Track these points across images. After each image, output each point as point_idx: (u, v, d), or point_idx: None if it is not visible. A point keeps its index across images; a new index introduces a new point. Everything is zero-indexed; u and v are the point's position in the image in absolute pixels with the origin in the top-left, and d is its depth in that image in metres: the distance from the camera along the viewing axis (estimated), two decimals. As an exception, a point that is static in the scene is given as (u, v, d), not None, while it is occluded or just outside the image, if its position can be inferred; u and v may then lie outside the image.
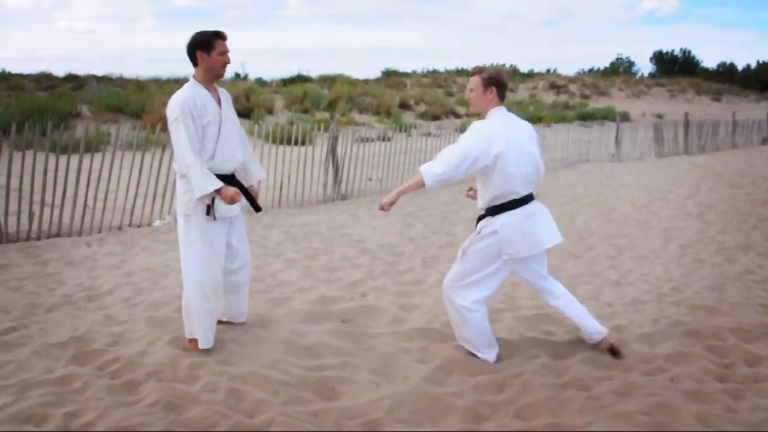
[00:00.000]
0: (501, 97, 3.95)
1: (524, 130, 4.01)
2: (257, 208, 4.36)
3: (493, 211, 3.92)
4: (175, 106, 3.83)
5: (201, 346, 4.02)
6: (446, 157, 3.78)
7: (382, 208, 3.91)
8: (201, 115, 3.86)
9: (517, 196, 3.90)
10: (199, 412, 3.29)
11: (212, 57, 3.90)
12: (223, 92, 4.12)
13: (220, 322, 4.30)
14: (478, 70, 3.95)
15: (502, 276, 4.02)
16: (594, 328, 4.13)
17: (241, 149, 4.14)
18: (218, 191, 3.86)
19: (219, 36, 3.91)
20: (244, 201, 4.20)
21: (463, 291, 3.98)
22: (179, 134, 3.81)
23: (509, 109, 4.03)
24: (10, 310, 4.81)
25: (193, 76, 3.97)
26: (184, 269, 4.07)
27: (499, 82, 3.91)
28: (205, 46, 3.88)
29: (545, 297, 4.19)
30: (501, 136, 3.79)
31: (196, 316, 4.02)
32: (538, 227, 3.97)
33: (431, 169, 3.77)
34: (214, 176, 3.86)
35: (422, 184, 3.80)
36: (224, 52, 3.92)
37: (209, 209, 3.93)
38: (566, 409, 3.44)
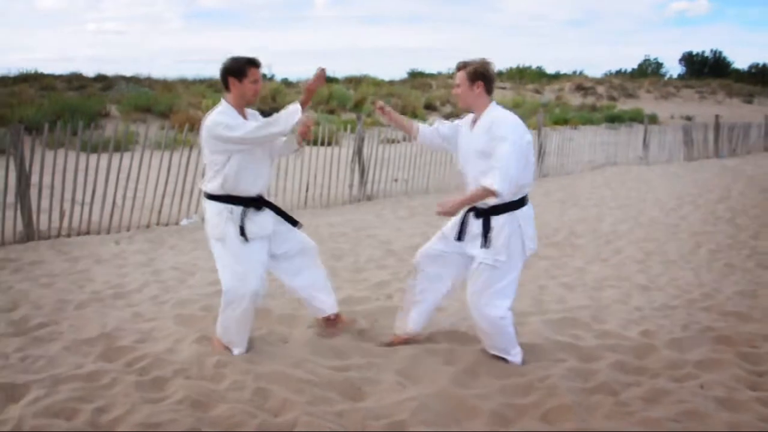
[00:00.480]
0: (488, 91, 3.85)
1: None
2: (294, 223, 4.26)
3: (509, 207, 3.81)
4: (215, 121, 3.87)
5: (236, 352, 4.04)
6: (510, 164, 3.63)
7: (446, 213, 3.82)
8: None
9: (528, 190, 3.88)
10: (225, 410, 3.31)
11: (244, 84, 3.91)
12: (253, 115, 4.10)
13: (328, 320, 4.39)
14: (462, 65, 3.86)
15: (519, 271, 3.97)
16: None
17: (268, 174, 4.17)
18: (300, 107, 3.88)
19: (252, 63, 3.91)
20: (275, 220, 4.17)
21: (494, 300, 3.85)
22: (230, 133, 3.84)
23: (502, 107, 3.92)
24: (42, 305, 4.90)
25: (225, 99, 4.00)
26: (222, 283, 4.08)
27: (485, 76, 3.81)
28: (238, 73, 3.89)
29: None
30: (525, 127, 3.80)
31: (230, 326, 4.04)
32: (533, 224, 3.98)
33: (500, 181, 3.62)
34: (284, 110, 3.88)
35: (486, 196, 3.71)
36: (257, 80, 3.93)
37: (242, 231, 3.96)
38: (593, 414, 3.39)
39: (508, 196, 3.69)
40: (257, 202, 4.05)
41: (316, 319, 4.50)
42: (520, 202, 3.83)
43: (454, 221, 4.03)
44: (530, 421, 3.35)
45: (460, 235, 3.95)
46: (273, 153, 4.23)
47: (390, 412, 3.39)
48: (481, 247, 3.85)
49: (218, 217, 3.96)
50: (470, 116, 4.00)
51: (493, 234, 3.82)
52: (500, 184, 3.61)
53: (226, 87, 3.96)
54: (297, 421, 3.24)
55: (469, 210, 3.92)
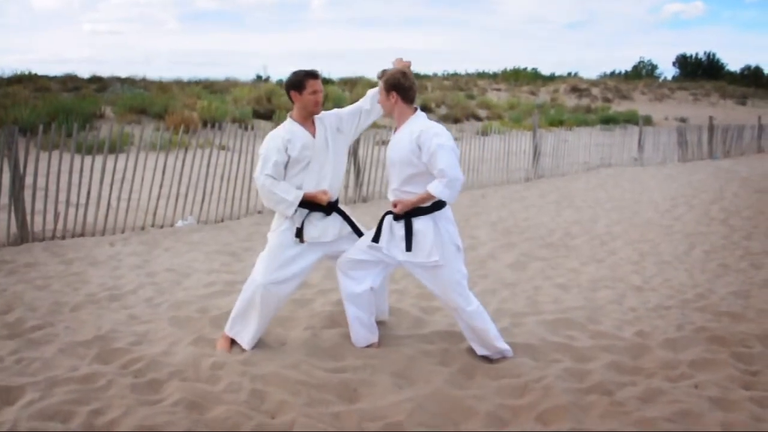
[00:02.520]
0: (405, 100, 3.93)
1: None
2: (359, 233, 4.28)
3: (430, 209, 3.91)
4: (264, 143, 4.10)
5: (245, 346, 4.13)
6: (455, 167, 3.77)
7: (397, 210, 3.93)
8: (287, 147, 4.03)
9: None
10: (221, 412, 3.31)
11: (304, 96, 4.07)
12: (329, 129, 4.19)
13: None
14: (380, 74, 3.97)
15: (462, 263, 4.05)
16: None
17: (336, 177, 4.23)
18: (307, 198, 4.02)
19: (311, 76, 4.07)
20: (342, 229, 4.23)
21: (460, 296, 3.97)
22: (258, 165, 4.07)
23: (425, 115, 4.00)
24: (37, 308, 4.89)
25: (290, 114, 4.18)
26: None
27: (397, 86, 3.90)
28: (298, 86, 4.06)
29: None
30: None
31: (240, 313, 4.13)
32: None
33: (455, 186, 3.78)
34: (292, 188, 4.03)
35: (430, 199, 3.84)
36: (316, 91, 4.07)
37: (299, 232, 4.07)
38: (589, 414, 3.41)
39: (449, 200, 3.83)
40: (326, 208, 4.14)
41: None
42: (440, 204, 3.92)
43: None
44: (526, 422, 3.36)
45: (377, 238, 4.04)
46: (351, 140, 4.38)
47: (386, 414, 3.40)
48: (406, 251, 3.94)
49: (280, 215, 4.14)
50: None
51: (419, 236, 3.91)
52: (450, 192, 3.77)
53: (291, 101, 4.13)
54: (293, 422, 3.24)
55: (387, 213, 4.03)
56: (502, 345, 4.06)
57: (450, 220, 4.01)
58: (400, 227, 3.97)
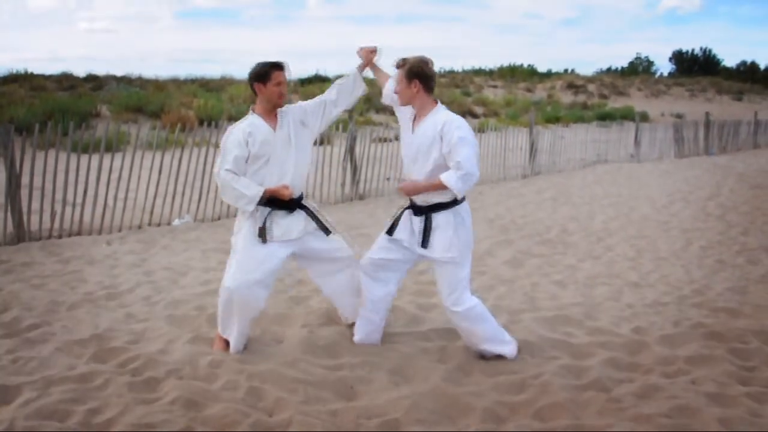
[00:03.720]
0: (427, 90, 3.86)
1: None
2: (327, 231, 4.19)
3: (450, 204, 3.86)
4: (224, 136, 4.02)
5: (231, 351, 4.07)
6: (473, 162, 3.73)
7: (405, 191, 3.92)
8: (248, 141, 3.93)
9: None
10: (219, 410, 3.31)
11: (268, 88, 3.97)
12: (292, 124, 4.09)
13: (349, 326, 4.40)
14: (401, 63, 3.87)
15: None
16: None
17: (298, 173, 4.12)
18: (267, 194, 3.93)
19: (276, 67, 3.98)
20: (307, 225, 4.13)
21: (460, 296, 3.92)
22: (218, 160, 3.98)
23: (445, 107, 3.95)
24: (34, 307, 4.88)
25: (252, 108, 4.09)
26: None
27: (420, 74, 3.81)
28: (262, 78, 3.97)
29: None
30: None
31: (222, 316, 4.07)
32: None
33: (469, 181, 3.74)
34: (253, 184, 3.93)
35: (443, 188, 3.78)
36: (281, 83, 3.97)
37: (262, 231, 3.97)
38: (586, 410, 3.41)
39: (459, 193, 3.76)
40: (289, 204, 4.04)
41: (345, 324, 4.49)
42: (462, 199, 3.89)
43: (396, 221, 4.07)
44: (523, 419, 3.36)
45: (391, 230, 4.02)
46: (320, 129, 4.27)
47: (383, 411, 3.40)
48: (420, 246, 3.91)
49: (242, 214, 4.04)
50: (409, 109, 4.00)
51: (438, 231, 3.87)
52: (462, 186, 3.72)
53: (255, 93, 4.04)
54: (291, 420, 3.24)
55: (407, 208, 3.98)
56: (496, 348, 4.01)
57: (468, 215, 3.95)
58: (419, 221, 3.92)
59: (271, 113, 4.05)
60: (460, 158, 3.69)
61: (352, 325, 4.37)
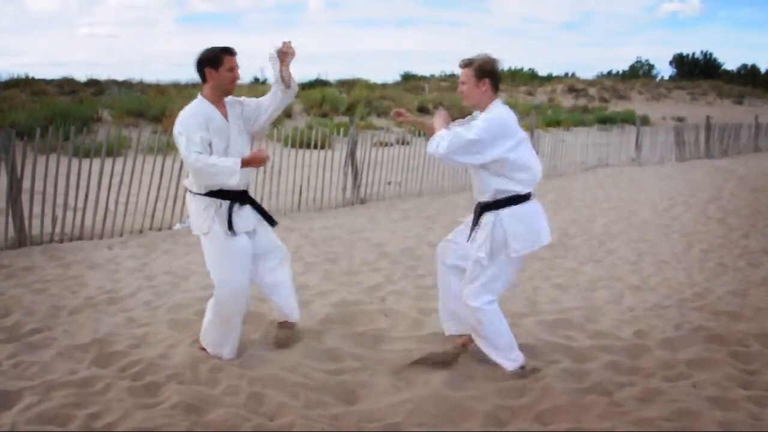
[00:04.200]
0: (495, 89, 3.79)
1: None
2: (272, 222, 4.24)
3: (497, 204, 3.79)
4: (180, 121, 3.86)
5: (226, 357, 4.02)
6: (455, 141, 3.62)
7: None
8: (208, 127, 3.85)
9: (522, 191, 3.79)
10: (220, 414, 3.31)
11: (221, 73, 3.88)
12: (235, 111, 4.05)
13: (282, 324, 4.36)
14: (468, 62, 3.80)
15: (511, 269, 3.91)
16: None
17: (250, 169, 4.10)
18: (248, 163, 3.84)
19: (228, 52, 3.89)
20: (256, 216, 4.14)
21: (476, 293, 3.86)
22: (181, 146, 3.82)
23: (506, 106, 3.87)
24: (35, 311, 4.88)
25: (201, 93, 3.97)
26: (212, 277, 4.07)
27: (491, 73, 3.75)
28: (214, 63, 3.87)
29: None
30: (514, 128, 3.73)
31: (217, 328, 4.02)
32: (539, 223, 3.88)
33: (440, 142, 3.63)
34: (229, 159, 3.81)
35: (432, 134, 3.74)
36: (233, 68, 3.90)
37: (230, 225, 3.93)
38: (587, 414, 3.41)
39: (441, 157, 3.66)
40: (242, 197, 4.04)
41: (270, 320, 4.48)
42: (508, 201, 3.78)
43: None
44: (524, 422, 3.36)
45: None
46: (260, 127, 4.17)
47: (384, 415, 3.40)
48: (467, 241, 3.91)
49: (205, 212, 3.93)
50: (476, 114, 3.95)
51: (479, 230, 3.84)
52: (436, 144, 3.64)
53: (204, 78, 3.93)
54: (293, 424, 3.24)
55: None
56: (499, 359, 3.93)
57: (516, 219, 3.78)
58: (471, 217, 3.93)
59: (220, 101, 3.96)
60: (461, 127, 3.68)
61: (284, 324, 4.37)
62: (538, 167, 3.85)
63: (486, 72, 3.74)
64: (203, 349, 4.10)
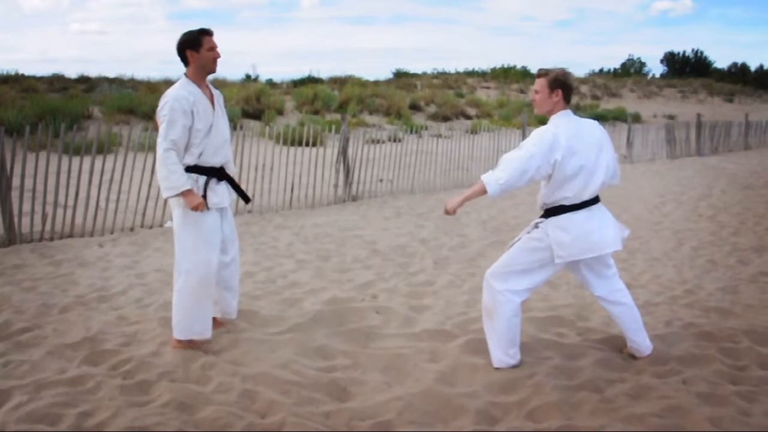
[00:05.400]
0: (567, 100, 3.90)
1: (591, 133, 3.93)
2: (246, 199, 4.43)
3: (548, 212, 3.90)
4: (166, 102, 3.95)
5: (198, 337, 4.06)
6: (509, 165, 3.74)
7: (448, 212, 3.93)
8: (192, 111, 3.95)
9: (568, 202, 3.83)
10: (211, 412, 3.30)
11: (202, 54, 4.00)
12: (216, 92, 4.21)
13: (214, 321, 4.32)
14: (543, 72, 3.91)
15: (547, 273, 3.95)
16: (640, 344, 4.07)
17: (229, 147, 4.26)
18: (184, 194, 3.91)
19: (206, 33, 4.02)
20: (232, 194, 4.30)
21: (503, 276, 3.90)
22: (161, 128, 3.95)
23: (576, 116, 3.95)
24: (25, 310, 4.85)
25: (186, 75, 4.07)
26: (176, 258, 4.09)
27: (565, 84, 3.86)
28: (194, 45, 3.99)
29: (602, 300, 4.11)
30: (563, 143, 3.76)
31: (187, 307, 4.04)
32: (595, 231, 3.87)
33: (494, 178, 3.74)
34: (185, 177, 3.92)
35: (484, 192, 3.77)
36: (213, 47, 4.02)
37: (204, 200, 4.00)
38: (578, 411, 3.42)
39: (495, 195, 3.75)
40: (219, 173, 4.13)
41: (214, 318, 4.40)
42: (556, 210, 3.87)
43: None
44: (516, 419, 3.37)
45: None
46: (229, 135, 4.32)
47: (376, 412, 3.40)
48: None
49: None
50: None
51: (532, 233, 3.96)
52: (490, 183, 3.74)
53: (185, 62, 4.03)
54: (284, 422, 3.24)
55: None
56: (493, 350, 3.95)
57: (561, 228, 3.83)
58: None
59: (203, 81, 4.08)
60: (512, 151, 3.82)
61: (219, 322, 4.39)
62: (593, 180, 3.86)
63: (560, 83, 3.87)
64: (179, 343, 4.10)
